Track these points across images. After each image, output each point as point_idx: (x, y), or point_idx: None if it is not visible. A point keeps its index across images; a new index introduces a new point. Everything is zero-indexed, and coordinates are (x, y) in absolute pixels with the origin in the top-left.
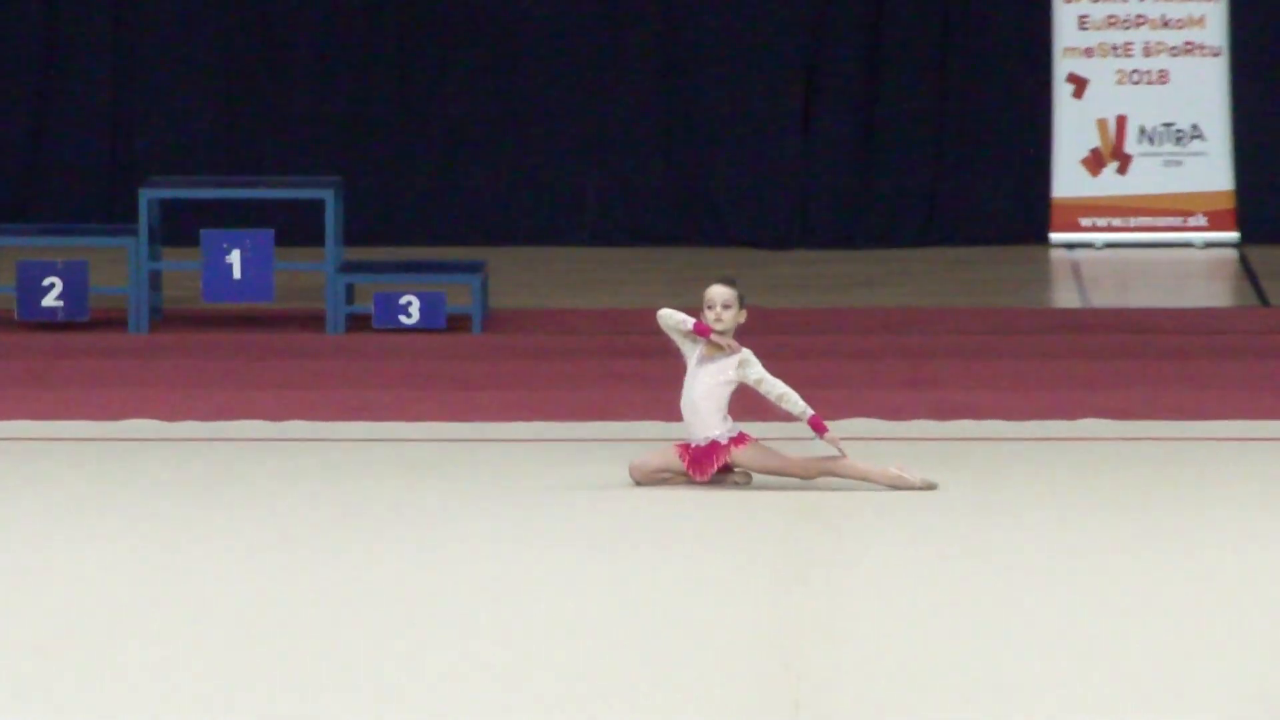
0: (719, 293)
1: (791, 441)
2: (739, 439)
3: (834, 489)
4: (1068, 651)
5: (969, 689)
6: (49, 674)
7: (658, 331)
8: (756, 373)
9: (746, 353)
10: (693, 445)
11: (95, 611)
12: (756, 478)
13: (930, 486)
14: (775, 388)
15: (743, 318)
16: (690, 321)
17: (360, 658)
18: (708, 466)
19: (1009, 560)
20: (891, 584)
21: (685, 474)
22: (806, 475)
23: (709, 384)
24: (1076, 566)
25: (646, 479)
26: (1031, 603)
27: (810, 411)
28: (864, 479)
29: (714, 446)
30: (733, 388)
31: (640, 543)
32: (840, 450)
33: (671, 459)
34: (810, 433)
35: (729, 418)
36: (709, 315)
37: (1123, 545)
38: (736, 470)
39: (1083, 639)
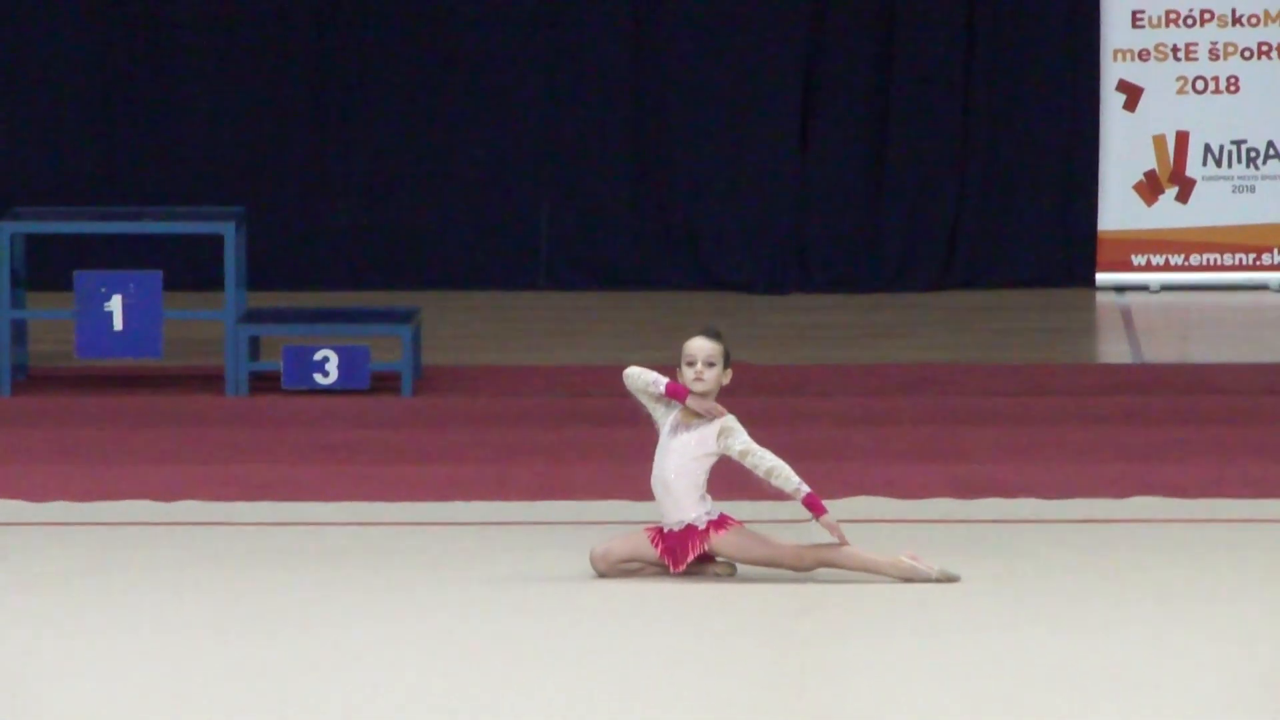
0: (700, 347)
1: (783, 525)
2: (719, 522)
3: (834, 581)
4: None
5: None
6: None
7: (624, 394)
8: (741, 443)
9: (729, 419)
10: (665, 530)
11: None
12: (742, 569)
13: (950, 579)
14: (764, 460)
15: (727, 378)
16: (663, 382)
17: None
18: (683, 555)
19: (1042, 669)
20: (902, 698)
21: (658, 563)
22: (800, 566)
23: (685, 457)
24: (1125, 677)
25: (611, 570)
26: None
27: (806, 489)
28: (870, 570)
29: (690, 531)
30: (713, 461)
31: (603, 648)
32: (840, 536)
33: (641, 546)
34: (806, 513)
35: (708, 497)
36: (687, 374)
37: (1181, 649)
38: (718, 560)
39: None
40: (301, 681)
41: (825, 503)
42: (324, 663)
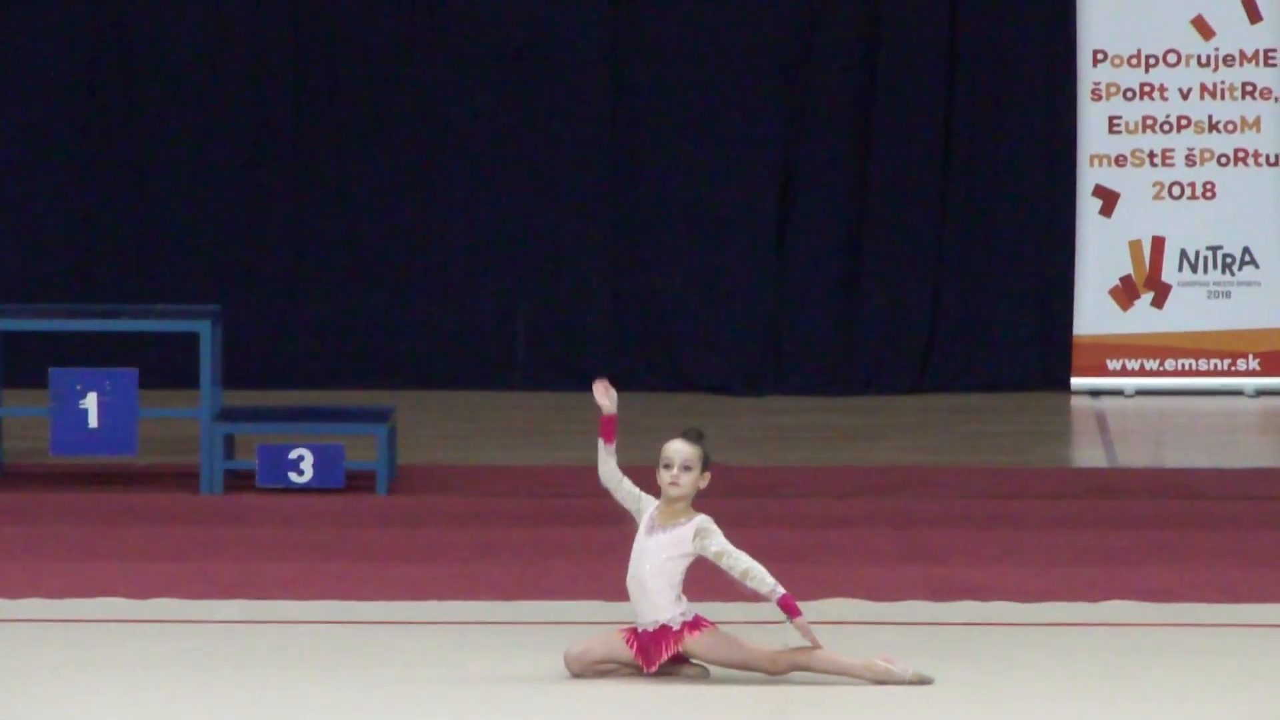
0: (678, 451)
1: (758, 627)
2: (694, 624)
3: (807, 684)
4: None
5: None
6: None
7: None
8: (717, 544)
9: (705, 520)
10: (640, 630)
11: None
12: (716, 670)
13: (924, 681)
14: (739, 562)
15: (705, 481)
16: (600, 441)
17: None
18: (656, 655)
19: None
20: None
21: (632, 664)
22: (774, 670)
23: (660, 557)
24: None
25: (586, 670)
26: None
27: (781, 590)
28: (844, 673)
29: (664, 632)
30: (689, 561)
31: None
32: (814, 639)
33: (616, 646)
34: (780, 615)
35: (684, 598)
36: (664, 477)
37: None
38: (692, 661)
39: None
40: None
41: (800, 604)
42: None
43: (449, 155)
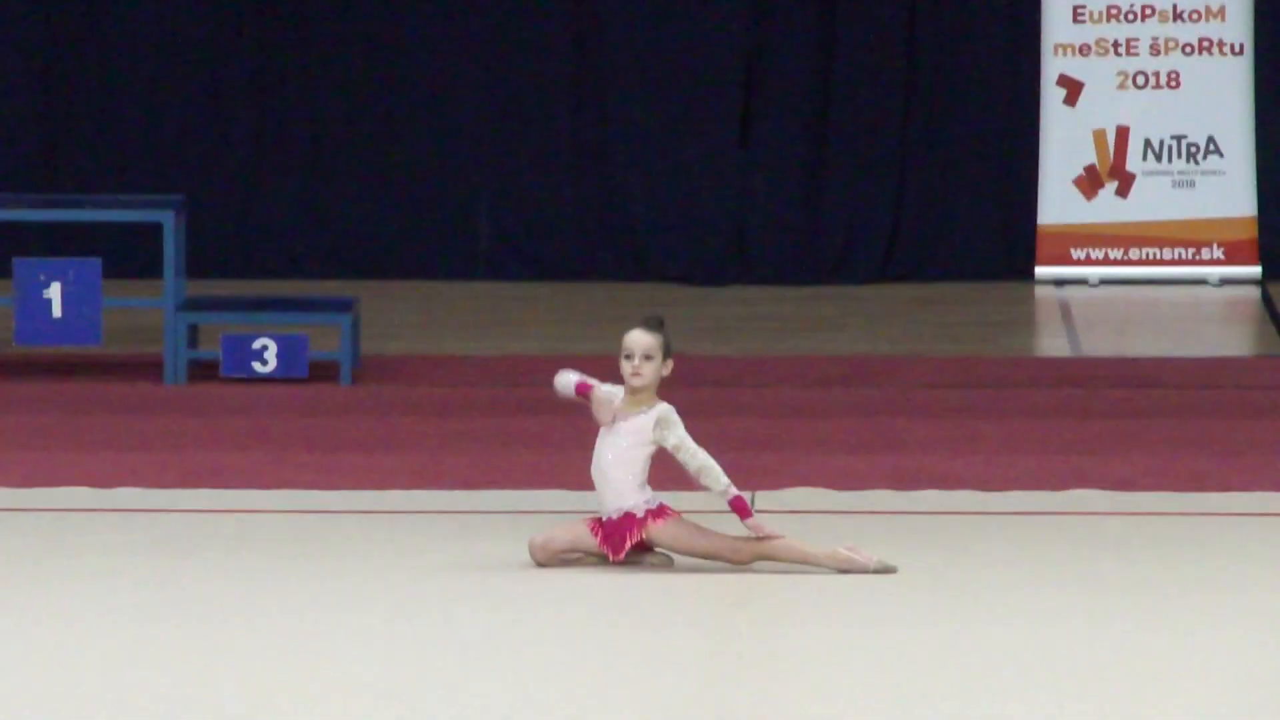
0: (637, 341)
1: (723, 517)
2: (658, 512)
3: (771, 573)
4: None
5: None
6: None
7: None
8: (676, 437)
9: (665, 410)
10: (605, 519)
11: None
12: (680, 560)
13: (887, 570)
14: (695, 458)
15: (667, 369)
16: (573, 384)
17: None
18: (621, 543)
19: (978, 660)
20: (839, 689)
21: (598, 553)
22: (738, 559)
23: (623, 446)
24: (1060, 668)
25: (550, 559)
26: (1005, 712)
27: (734, 491)
28: (808, 562)
29: (629, 520)
30: (651, 450)
31: (539, 639)
32: (771, 535)
33: (581, 535)
34: (731, 514)
35: (648, 486)
36: (625, 367)
37: (1119, 643)
38: (656, 550)
39: None
40: (235, 669)
41: (757, 508)
42: (258, 651)
43: (413, 44)
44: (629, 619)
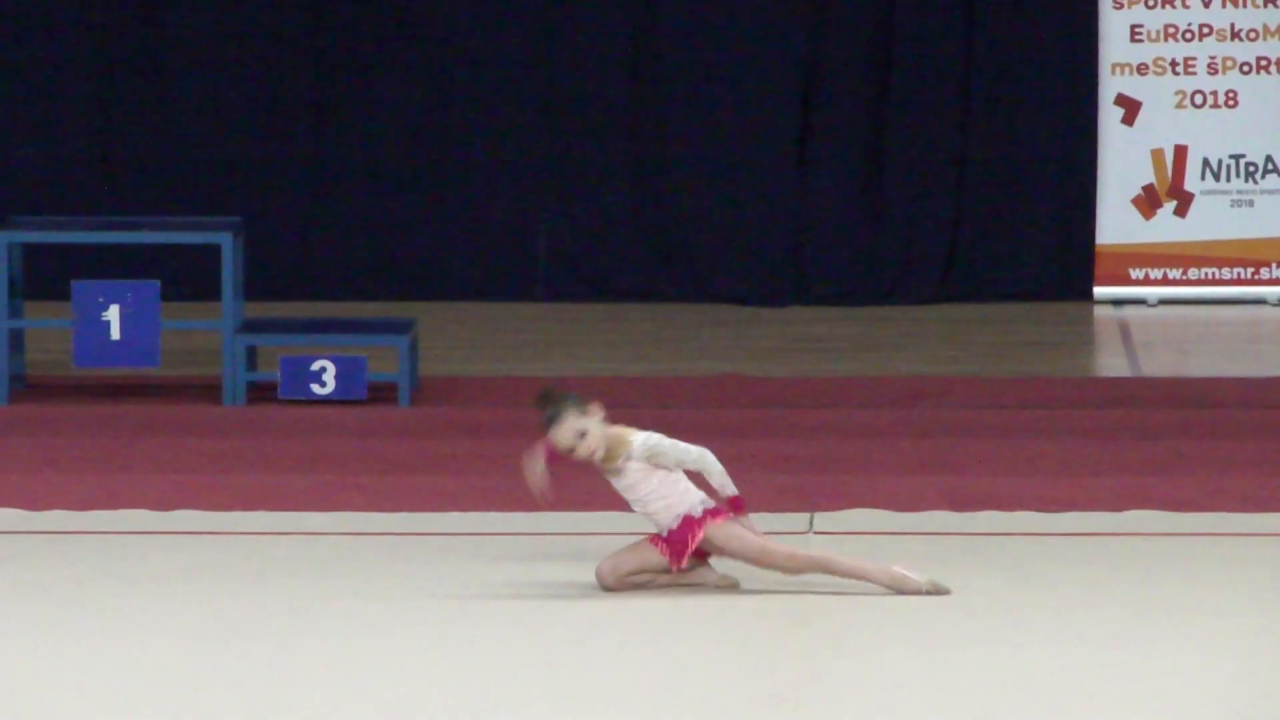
0: (559, 437)
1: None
2: (715, 512)
3: (831, 593)
4: None
5: None
6: None
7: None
8: (672, 458)
9: (642, 445)
10: (666, 532)
11: None
12: (743, 577)
13: (940, 591)
14: (689, 454)
15: (596, 413)
16: (542, 455)
17: None
18: (683, 549)
19: (1037, 683)
20: (898, 712)
21: (664, 569)
22: (791, 567)
23: (641, 492)
24: (1118, 691)
25: (620, 584)
26: None
27: (732, 489)
28: (860, 578)
29: (688, 523)
30: (661, 474)
31: (600, 661)
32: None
33: (648, 556)
34: (802, 527)
35: (690, 487)
36: (582, 455)
37: (1175, 663)
38: (712, 555)
39: None
40: (290, 692)
41: (823, 514)
42: (314, 673)
43: (471, 64)
44: (689, 640)
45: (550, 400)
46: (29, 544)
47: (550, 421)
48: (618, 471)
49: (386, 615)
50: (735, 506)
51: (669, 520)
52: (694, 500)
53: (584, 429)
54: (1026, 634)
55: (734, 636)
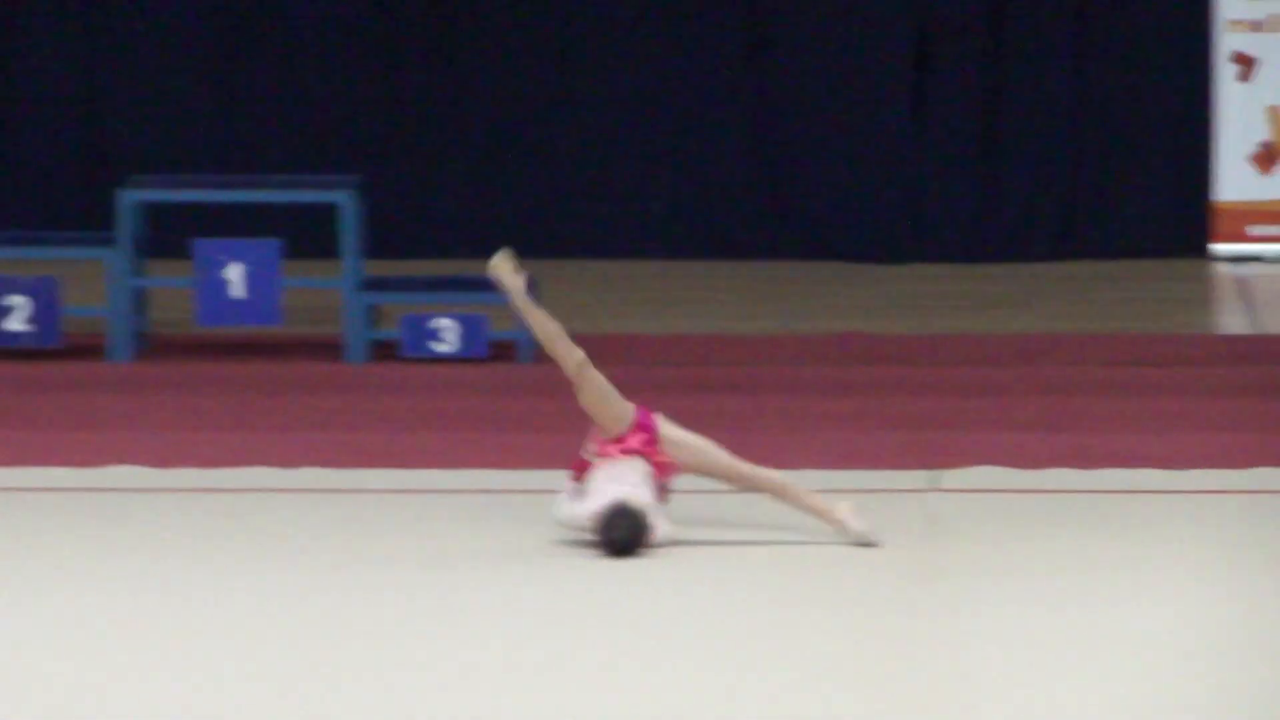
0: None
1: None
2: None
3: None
4: None
5: None
6: None
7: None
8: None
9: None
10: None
11: (84, 690)
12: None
13: (868, 544)
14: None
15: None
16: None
17: None
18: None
19: (1169, 641)
20: (1029, 670)
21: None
22: (737, 479)
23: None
24: (1240, 644)
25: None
26: (1189, 693)
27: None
28: (806, 510)
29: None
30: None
31: (740, 616)
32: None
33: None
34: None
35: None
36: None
37: None
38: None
39: None
40: (429, 645)
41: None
42: (448, 628)
43: (587, 22)
44: (817, 596)
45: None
46: (156, 501)
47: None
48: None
49: (512, 570)
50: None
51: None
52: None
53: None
54: (1151, 591)
55: (865, 592)
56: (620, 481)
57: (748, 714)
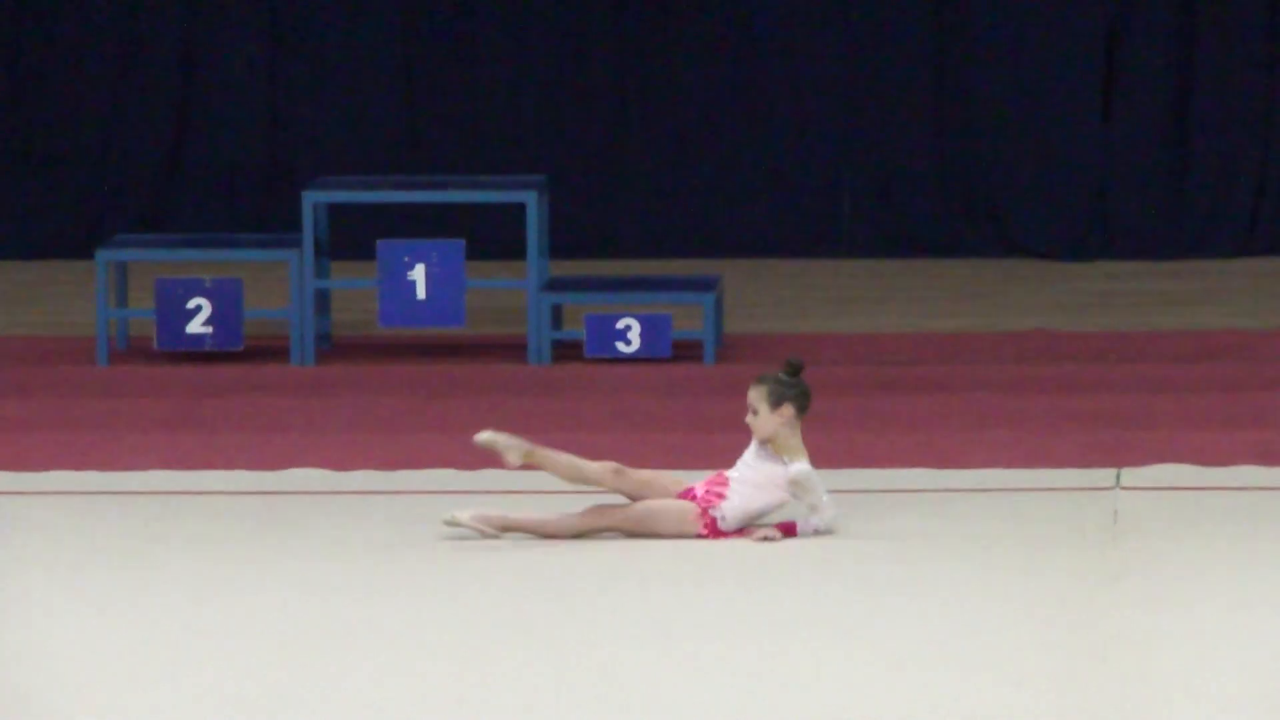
0: (752, 393)
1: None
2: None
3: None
4: None
5: None
6: None
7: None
8: (811, 500)
9: (800, 471)
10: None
11: (265, 684)
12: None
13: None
14: (824, 516)
15: (783, 416)
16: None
17: None
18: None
19: None
20: (1208, 671)
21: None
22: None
23: (750, 475)
24: None
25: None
26: None
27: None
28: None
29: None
30: (771, 499)
31: (890, 614)
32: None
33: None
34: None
35: (728, 515)
36: (749, 420)
37: None
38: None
39: None
40: (598, 649)
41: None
42: (622, 627)
43: (772, 22)
44: (995, 596)
45: (766, 377)
46: (336, 504)
47: (758, 380)
48: (765, 454)
49: (696, 571)
50: (787, 530)
51: (728, 514)
52: (726, 513)
53: (755, 411)
54: None
55: (1043, 593)
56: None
57: (934, 713)
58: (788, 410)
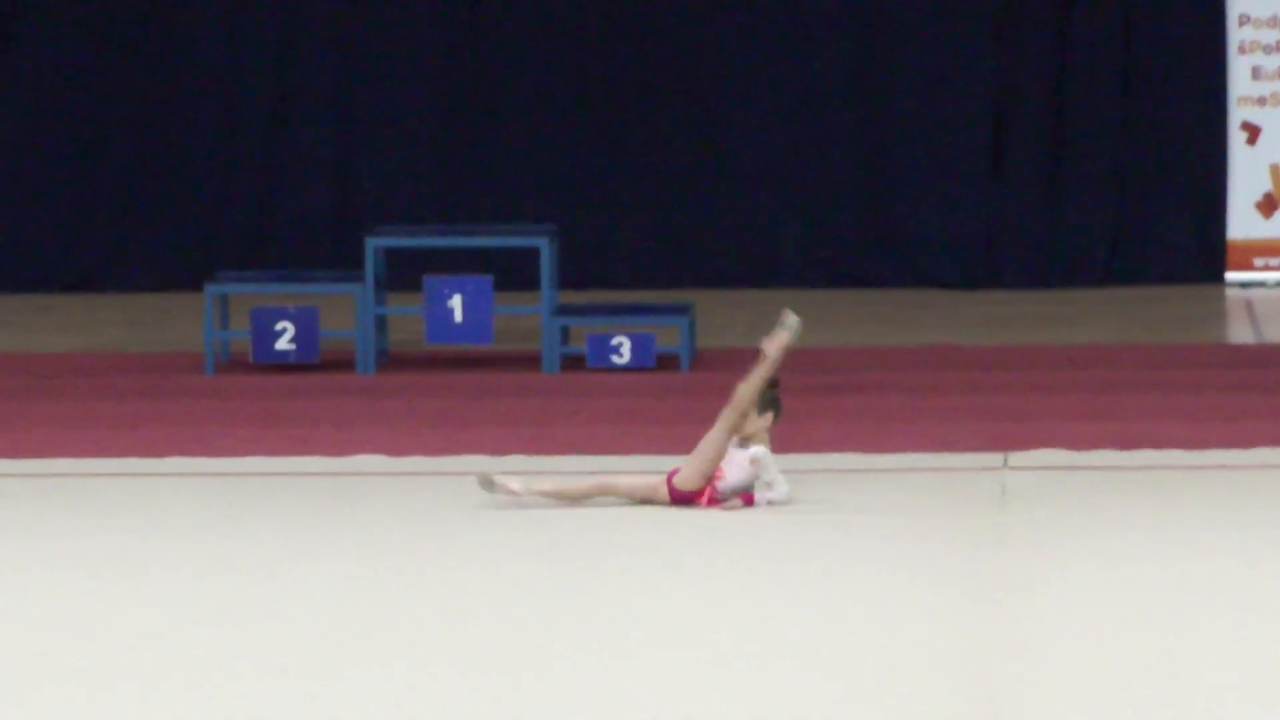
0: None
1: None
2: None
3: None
4: (1247, 664)
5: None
6: (294, 696)
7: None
8: (769, 474)
9: (758, 451)
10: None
11: (334, 648)
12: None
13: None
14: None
15: (765, 421)
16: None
17: None
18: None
19: (1190, 578)
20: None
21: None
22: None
23: (738, 463)
24: (1247, 582)
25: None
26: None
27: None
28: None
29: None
30: (742, 476)
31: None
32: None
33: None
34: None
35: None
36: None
37: None
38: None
39: (1261, 655)
40: (634, 601)
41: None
42: (643, 592)
43: (733, 97)
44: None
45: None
46: (393, 483)
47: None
48: (737, 448)
49: (684, 548)
50: (747, 500)
51: (723, 488)
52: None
53: (749, 414)
54: (1178, 543)
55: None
56: (732, 464)
57: (849, 634)
58: (769, 416)
